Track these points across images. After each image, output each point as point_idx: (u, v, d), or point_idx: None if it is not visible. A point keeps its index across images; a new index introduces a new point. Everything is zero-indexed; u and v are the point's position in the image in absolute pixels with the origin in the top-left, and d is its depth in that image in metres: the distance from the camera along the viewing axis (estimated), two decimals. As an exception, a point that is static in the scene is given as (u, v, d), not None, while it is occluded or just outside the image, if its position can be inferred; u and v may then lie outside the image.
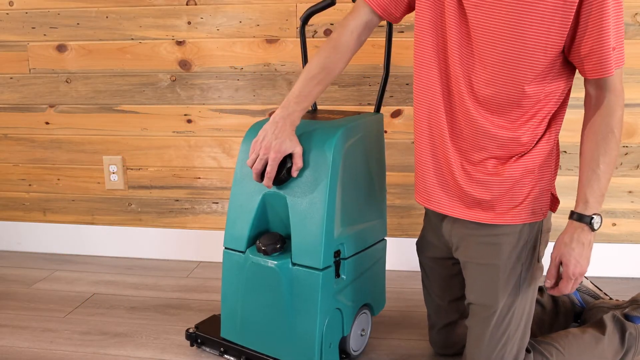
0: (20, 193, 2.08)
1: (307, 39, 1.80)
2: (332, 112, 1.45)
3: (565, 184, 1.80)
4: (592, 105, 1.09)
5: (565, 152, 1.78)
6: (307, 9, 1.43)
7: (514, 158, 1.11)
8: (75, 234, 2.06)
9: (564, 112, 1.14)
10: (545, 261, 1.19)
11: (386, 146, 1.83)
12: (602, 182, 1.05)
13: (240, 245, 1.30)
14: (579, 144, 1.12)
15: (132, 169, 1.99)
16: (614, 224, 1.82)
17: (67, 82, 1.94)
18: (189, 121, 1.92)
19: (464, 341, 1.26)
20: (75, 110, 1.97)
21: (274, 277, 1.24)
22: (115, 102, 1.94)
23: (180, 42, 1.86)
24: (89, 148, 1.99)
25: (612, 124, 1.06)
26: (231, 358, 1.34)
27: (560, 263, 1.09)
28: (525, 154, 1.11)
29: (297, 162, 1.18)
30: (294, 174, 1.20)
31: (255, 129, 1.34)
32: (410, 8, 1.21)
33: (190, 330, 1.40)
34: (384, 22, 1.32)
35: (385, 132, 1.83)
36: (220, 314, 1.38)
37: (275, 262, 1.23)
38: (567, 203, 1.82)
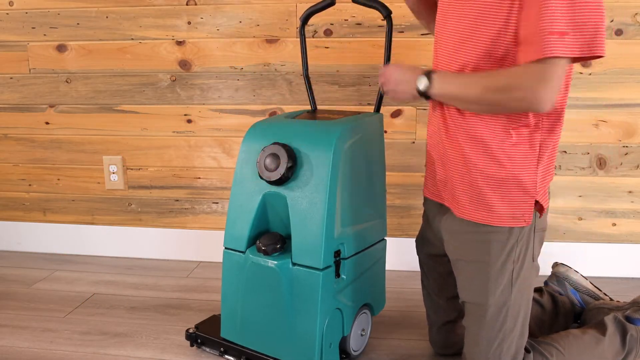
0: (20, 193, 2.08)
1: (307, 39, 1.80)
2: (332, 112, 1.45)
3: (566, 184, 1.80)
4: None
5: (565, 152, 1.78)
6: (307, 9, 1.43)
7: (480, 157, 1.11)
8: (75, 234, 2.06)
9: (555, 127, 1.10)
10: (542, 260, 1.19)
11: (386, 146, 1.83)
12: (459, 77, 1.07)
13: (240, 245, 1.30)
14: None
15: (132, 169, 1.99)
16: (614, 224, 1.82)
17: (67, 82, 1.94)
18: (189, 121, 1.92)
19: (463, 341, 1.26)
20: (75, 110, 1.97)
21: (274, 277, 1.24)
22: (115, 102, 1.94)
23: (180, 42, 1.86)
24: (89, 148, 1.99)
25: (514, 80, 0.99)
26: (231, 358, 1.34)
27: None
28: (493, 157, 1.09)
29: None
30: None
31: (255, 128, 1.34)
32: None
33: (190, 331, 1.40)
34: (384, 22, 1.32)
35: (385, 132, 1.83)
36: (220, 314, 1.38)
37: (276, 262, 1.23)
38: (567, 203, 1.83)
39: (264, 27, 1.81)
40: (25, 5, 1.89)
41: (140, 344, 1.45)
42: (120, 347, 1.43)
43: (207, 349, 1.39)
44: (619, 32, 1.68)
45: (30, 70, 1.95)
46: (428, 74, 1.09)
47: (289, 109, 1.85)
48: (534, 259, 1.16)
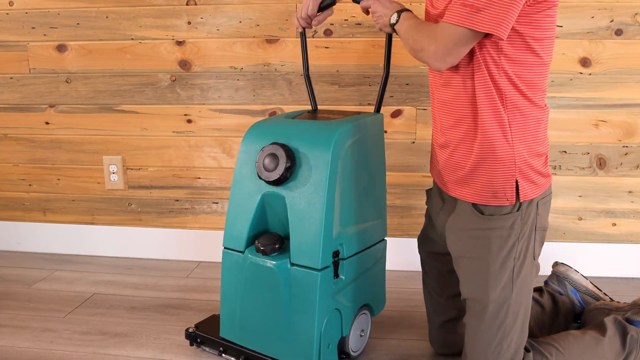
0: (20, 193, 2.08)
1: (307, 39, 1.80)
2: (332, 112, 1.45)
3: (566, 184, 1.80)
4: None
5: (565, 152, 1.78)
6: None
7: (455, 128, 1.15)
8: (75, 234, 2.06)
9: (522, 106, 1.11)
10: (542, 260, 1.19)
11: (386, 146, 1.83)
12: (416, 21, 1.16)
13: (239, 245, 1.30)
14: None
15: (132, 169, 1.99)
16: (614, 224, 1.82)
17: (67, 82, 1.94)
18: (189, 121, 1.92)
19: (463, 341, 1.26)
20: (75, 110, 1.97)
21: (272, 277, 1.24)
22: (115, 102, 1.94)
23: (180, 42, 1.86)
24: (89, 148, 1.99)
25: (423, 36, 1.10)
26: (230, 358, 1.34)
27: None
28: (467, 126, 1.13)
29: None
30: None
31: (255, 128, 1.34)
32: None
33: (190, 330, 1.40)
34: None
35: (386, 132, 1.82)
36: (219, 314, 1.38)
37: (274, 262, 1.23)
38: (567, 203, 1.83)
39: (264, 27, 1.81)
40: (25, 5, 1.89)
41: (140, 344, 1.45)
42: (120, 347, 1.43)
43: (207, 349, 1.39)
44: (619, 32, 1.68)
45: (30, 70, 1.95)
46: (401, 11, 1.18)
47: (289, 109, 1.85)
48: (535, 257, 1.17)
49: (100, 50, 1.90)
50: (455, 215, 1.20)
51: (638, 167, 1.77)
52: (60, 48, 1.92)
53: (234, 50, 1.84)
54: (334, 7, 1.36)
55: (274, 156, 1.22)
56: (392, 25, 1.18)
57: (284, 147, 1.22)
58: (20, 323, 1.56)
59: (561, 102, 1.74)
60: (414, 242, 1.40)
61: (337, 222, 1.23)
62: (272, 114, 1.86)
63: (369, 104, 1.82)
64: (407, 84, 1.79)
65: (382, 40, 1.76)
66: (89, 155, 1.99)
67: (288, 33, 1.80)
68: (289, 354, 1.26)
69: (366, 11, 1.30)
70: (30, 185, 2.06)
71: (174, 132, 1.93)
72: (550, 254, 1.70)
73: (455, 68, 1.11)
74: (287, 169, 1.21)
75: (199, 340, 1.40)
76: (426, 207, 1.37)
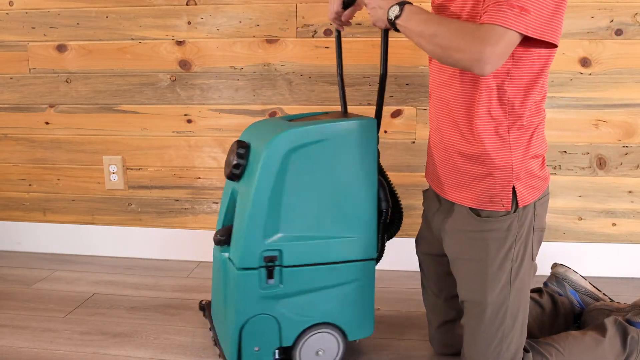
0: (20, 193, 2.08)
1: (307, 39, 1.81)
2: (337, 114, 1.40)
3: (566, 184, 1.80)
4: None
5: (565, 152, 1.78)
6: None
7: (453, 134, 1.14)
8: (75, 234, 2.06)
9: (524, 114, 1.09)
10: (542, 260, 1.19)
11: (386, 146, 1.83)
12: (427, 15, 1.06)
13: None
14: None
15: (132, 169, 1.99)
16: (614, 224, 1.82)
17: (67, 82, 1.94)
18: (189, 121, 1.92)
19: (462, 341, 1.26)
20: (75, 110, 1.97)
21: (218, 267, 1.32)
22: (115, 102, 1.94)
23: (180, 42, 1.86)
24: (89, 148, 1.99)
25: (456, 35, 1.00)
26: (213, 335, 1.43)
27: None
28: (464, 134, 1.12)
29: None
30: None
31: (252, 128, 1.34)
32: None
33: (203, 302, 1.55)
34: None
35: (385, 132, 1.83)
36: None
37: (218, 253, 1.30)
38: (567, 203, 1.83)
39: (264, 27, 1.81)
40: (25, 5, 1.89)
41: (140, 344, 1.45)
42: (120, 347, 1.43)
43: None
44: (619, 32, 1.68)
45: (30, 70, 1.95)
46: (402, 4, 1.07)
47: (289, 109, 1.85)
48: (532, 258, 1.17)
49: (100, 50, 1.90)
50: (451, 217, 1.20)
51: (638, 167, 1.77)
52: (60, 48, 1.92)
53: (234, 50, 1.84)
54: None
55: (232, 153, 1.27)
56: (392, 20, 1.08)
57: (241, 144, 1.26)
58: (20, 323, 1.56)
59: (561, 102, 1.74)
60: (413, 242, 1.40)
61: (274, 225, 1.20)
62: (272, 114, 1.86)
63: (369, 104, 1.82)
64: (407, 84, 1.79)
65: (382, 40, 1.76)
66: (89, 155, 2.00)
67: (288, 33, 1.80)
68: (225, 345, 1.29)
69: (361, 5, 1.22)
70: (30, 185, 2.06)
71: (174, 132, 1.93)
72: (550, 254, 1.70)
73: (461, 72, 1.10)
74: (235, 166, 1.25)
75: (206, 311, 1.52)
76: (423, 207, 1.38)
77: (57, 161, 2.02)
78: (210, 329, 1.45)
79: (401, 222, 1.37)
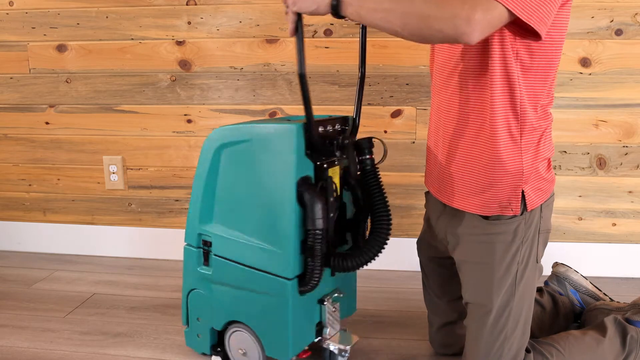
0: (20, 193, 2.08)
1: (307, 39, 1.80)
2: (324, 118, 1.32)
3: (566, 184, 1.80)
4: None
5: (565, 152, 1.78)
6: None
7: (461, 138, 1.12)
8: (75, 234, 2.06)
9: (531, 117, 1.08)
10: (543, 260, 1.19)
11: (386, 146, 1.83)
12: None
13: None
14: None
15: (132, 169, 1.99)
16: (614, 224, 1.82)
17: (67, 82, 1.94)
18: (189, 121, 1.92)
19: (463, 341, 1.26)
20: (75, 110, 1.97)
21: None
22: (115, 102, 1.94)
23: (180, 42, 1.86)
24: (89, 148, 1.99)
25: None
26: None
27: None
28: (473, 137, 1.10)
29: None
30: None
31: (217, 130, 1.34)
32: None
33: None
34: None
35: (385, 132, 1.83)
36: None
37: None
38: (567, 203, 1.83)
39: (264, 27, 1.81)
40: (25, 5, 1.89)
41: (140, 344, 1.45)
42: (120, 347, 1.43)
43: None
44: (619, 32, 1.68)
45: (30, 70, 1.95)
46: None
47: (289, 109, 1.85)
48: (537, 260, 1.16)
49: (100, 50, 1.90)
50: (457, 221, 1.18)
51: (638, 167, 1.77)
52: (60, 48, 1.92)
53: (234, 50, 1.84)
54: None
55: None
56: (336, 5, 0.98)
57: None
58: (20, 323, 1.56)
59: (561, 102, 1.74)
60: (414, 242, 1.40)
61: (209, 213, 1.27)
62: (272, 114, 1.86)
63: (369, 104, 1.82)
64: (407, 84, 1.79)
65: (382, 40, 1.76)
66: (89, 155, 1.99)
67: (288, 33, 1.80)
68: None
69: None
70: (30, 185, 2.06)
71: (174, 132, 1.93)
72: (551, 254, 1.70)
73: (468, 74, 1.08)
74: None
75: None
76: (424, 210, 1.37)
77: (57, 161, 2.02)
78: None
79: (368, 256, 1.17)
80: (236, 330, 1.29)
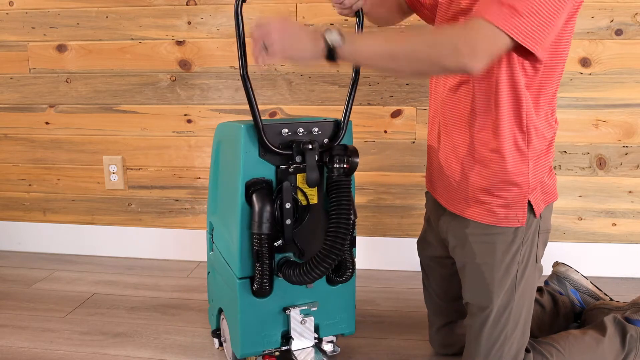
0: (20, 193, 2.08)
1: (307, 39, 1.80)
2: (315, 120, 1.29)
3: (566, 184, 1.80)
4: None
5: (565, 152, 1.78)
6: None
7: (466, 148, 1.12)
8: (75, 234, 2.06)
9: (540, 128, 1.09)
10: (542, 260, 1.19)
11: (386, 146, 1.84)
12: (377, 37, 0.96)
13: None
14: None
15: (132, 169, 1.99)
16: (614, 224, 1.82)
17: (67, 82, 1.94)
18: (189, 121, 1.92)
19: (463, 341, 1.26)
20: (75, 110, 1.97)
21: None
22: (115, 102, 1.94)
23: (180, 42, 1.86)
24: (89, 148, 1.99)
25: (434, 35, 0.93)
26: None
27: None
28: (478, 148, 1.10)
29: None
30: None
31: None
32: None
33: None
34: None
35: (385, 132, 1.83)
36: None
37: None
38: (567, 203, 1.83)
39: (264, 27, 1.81)
40: (25, 5, 1.89)
41: (140, 344, 1.45)
42: (120, 347, 1.43)
43: None
44: (619, 32, 1.68)
45: (30, 70, 1.95)
46: (337, 30, 0.94)
47: (289, 108, 1.85)
48: (537, 260, 1.16)
49: (100, 50, 1.90)
50: (458, 221, 1.18)
51: (638, 167, 1.77)
52: (60, 48, 1.92)
53: (234, 50, 1.83)
54: None
55: None
56: (331, 49, 0.92)
57: None
58: (20, 323, 1.56)
59: (561, 102, 1.74)
60: (413, 242, 1.40)
61: (214, 204, 1.33)
62: (272, 114, 1.86)
63: (369, 104, 1.82)
64: (407, 84, 1.79)
65: (382, 40, 1.76)
66: (89, 155, 1.99)
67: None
68: None
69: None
70: (30, 185, 2.06)
71: (174, 132, 1.93)
72: (551, 254, 1.69)
73: (475, 86, 1.07)
74: None
75: None
76: (425, 210, 1.37)
77: (57, 161, 2.02)
78: None
79: (311, 272, 1.08)
80: (224, 318, 1.32)
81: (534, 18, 0.91)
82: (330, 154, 1.13)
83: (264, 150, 1.13)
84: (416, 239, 1.40)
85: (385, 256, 1.90)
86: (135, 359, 1.38)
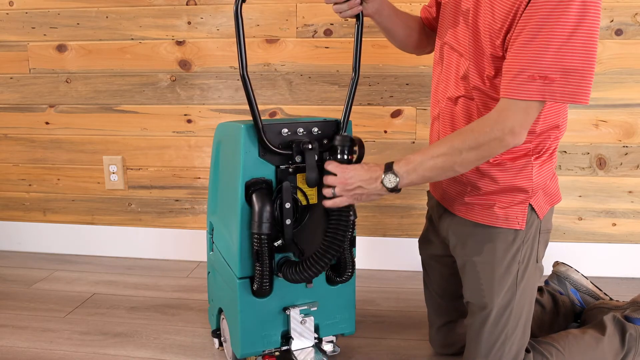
0: (20, 193, 2.08)
1: (307, 39, 1.81)
2: (313, 120, 1.28)
3: (566, 184, 1.80)
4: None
5: (565, 152, 1.78)
6: None
7: (474, 173, 1.13)
8: (75, 234, 2.06)
9: (549, 137, 1.11)
10: (543, 260, 1.19)
11: (386, 146, 1.84)
12: (424, 160, 1.01)
13: None
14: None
15: (132, 169, 1.99)
16: (614, 224, 1.82)
17: (67, 82, 1.94)
18: (189, 121, 1.92)
19: (463, 341, 1.26)
20: (75, 110, 1.97)
21: None
22: (115, 102, 1.94)
23: (180, 42, 1.86)
24: (89, 148, 1.99)
25: (470, 136, 0.98)
26: None
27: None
28: (488, 174, 1.11)
29: None
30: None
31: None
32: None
33: None
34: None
35: (385, 132, 1.83)
36: None
37: None
38: (567, 203, 1.83)
39: (264, 27, 1.81)
40: (25, 5, 1.89)
41: (140, 344, 1.45)
42: (120, 347, 1.43)
43: None
44: (619, 32, 1.68)
45: (30, 70, 1.95)
46: (390, 168, 1.02)
47: (289, 108, 1.85)
48: (538, 260, 1.16)
49: (100, 50, 1.90)
50: (459, 221, 1.19)
51: (638, 167, 1.77)
52: (60, 48, 1.92)
53: (234, 50, 1.84)
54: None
55: None
56: (394, 189, 1.02)
57: None
58: (20, 323, 1.56)
59: (561, 102, 1.74)
60: (414, 242, 1.40)
61: (214, 204, 1.32)
62: (272, 114, 1.86)
63: (368, 104, 1.82)
64: (407, 84, 1.79)
65: (383, 40, 1.76)
66: (89, 155, 1.99)
67: (288, 33, 1.80)
68: None
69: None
70: (30, 185, 2.06)
71: (174, 132, 1.93)
72: (551, 253, 1.69)
73: (478, 103, 1.08)
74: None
75: None
76: (427, 208, 1.37)
77: (57, 161, 2.02)
78: None
79: (309, 271, 1.09)
80: (224, 318, 1.32)
81: (573, 76, 0.91)
82: (333, 144, 1.12)
83: (264, 150, 1.13)
84: (416, 239, 1.40)
85: (385, 256, 1.90)
86: (135, 359, 1.38)
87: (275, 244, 1.14)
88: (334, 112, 1.82)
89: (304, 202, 1.16)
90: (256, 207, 1.11)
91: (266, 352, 1.22)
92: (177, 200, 1.99)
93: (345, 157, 1.10)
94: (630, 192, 1.79)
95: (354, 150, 1.11)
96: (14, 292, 1.77)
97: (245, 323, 1.18)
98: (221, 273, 1.29)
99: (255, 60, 1.83)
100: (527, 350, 1.18)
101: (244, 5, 1.08)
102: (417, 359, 1.38)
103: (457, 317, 1.33)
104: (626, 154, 1.77)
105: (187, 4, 1.82)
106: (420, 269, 1.40)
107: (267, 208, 1.10)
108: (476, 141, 0.97)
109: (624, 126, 1.75)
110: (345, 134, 1.12)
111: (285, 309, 1.20)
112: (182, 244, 2.01)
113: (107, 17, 1.86)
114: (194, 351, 1.41)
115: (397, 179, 1.02)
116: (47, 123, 1.99)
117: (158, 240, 2.02)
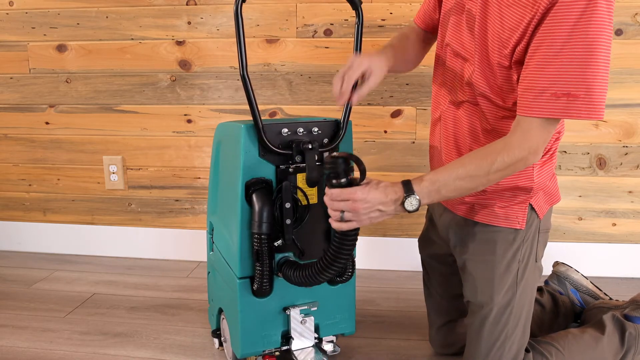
0: (20, 193, 2.08)
1: (307, 39, 1.81)
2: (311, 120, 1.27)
3: (566, 184, 1.80)
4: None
5: (565, 152, 1.78)
6: None
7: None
8: (75, 234, 2.06)
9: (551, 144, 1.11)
10: (542, 260, 1.20)
11: (386, 146, 1.84)
12: (448, 181, 0.98)
13: None
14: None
15: (132, 169, 1.99)
16: (614, 224, 1.82)
17: (67, 82, 1.94)
18: (189, 121, 1.92)
19: (463, 340, 1.26)
20: (75, 110, 1.97)
21: None
22: (115, 102, 1.94)
23: (180, 42, 1.86)
24: (89, 148, 1.99)
25: (497, 158, 0.96)
26: None
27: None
28: None
29: None
30: None
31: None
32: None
33: None
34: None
35: (385, 132, 1.83)
36: None
37: None
38: (567, 203, 1.83)
39: (264, 27, 1.81)
40: (25, 5, 1.89)
41: (140, 344, 1.45)
42: (120, 347, 1.43)
43: None
44: (619, 32, 1.68)
45: (30, 70, 1.95)
46: (411, 190, 0.98)
47: (289, 109, 1.85)
48: (537, 259, 1.17)
49: (100, 50, 1.90)
50: (459, 220, 1.19)
51: (638, 167, 1.77)
52: (60, 48, 1.92)
53: (234, 50, 1.84)
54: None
55: None
56: (415, 210, 0.98)
57: None
58: (20, 323, 1.56)
59: (561, 102, 1.74)
60: (414, 242, 1.40)
61: (214, 204, 1.32)
62: (272, 114, 1.86)
63: (368, 104, 1.82)
64: (407, 84, 1.79)
65: (383, 40, 1.76)
66: (89, 155, 1.99)
67: (288, 33, 1.80)
68: None
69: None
70: (30, 185, 2.06)
71: (174, 132, 1.93)
72: (551, 253, 1.70)
73: (483, 107, 1.07)
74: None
75: None
76: (427, 207, 1.37)
77: (57, 161, 2.02)
78: None
79: (307, 280, 1.08)
80: (224, 318, 1.32)
81: (595, 92, 0.89)
82: (326, 172, 1.02)
83: (264, 150, 1.13)
84: (416, 239, 1.40)
85: (385, 256, 1.90)
86: (135, 359, 1.38)
87: (275, 243, 1.14)
88: (334, 112, 1.82)
89: (304, 202, 1.16)
90: (256, 207, 1.10)
91: (266, 352, 1.22)
92: (177, 200, 1.99)
93: (345, 180, 0.99)
94: (630, 192, 1.79)
95: (352, 169, 1.01)
96: (14, 292, 1.77)
97: (245, 323, 1.18)
98: (221, 273, 1.29)
99: (255, 60, 1.83)
100: (527, 350, 1.18)
101: (244, 5, 1.08)
102: (417, 359, 1.38)
103: (457, 317, 1.33)
104: (626, 154, 1.77)
105: (187, 4, 1.82)
106: (420, 268, 1.40)
107: (267, 208, 1.11)
108: (504, 163, 0.96)
109: (624, 126, 1.75)
110: (335, 154, 1.00)
111: (285, 308, 1.20)
112: (182, 244, 2.01)
113: (107, 17, 1.86)
114: (194, 351, 1.41)
115: (419, 203, 0.98)
116: (47, 123, 1.99)
117: (158, 240, 2.02)
